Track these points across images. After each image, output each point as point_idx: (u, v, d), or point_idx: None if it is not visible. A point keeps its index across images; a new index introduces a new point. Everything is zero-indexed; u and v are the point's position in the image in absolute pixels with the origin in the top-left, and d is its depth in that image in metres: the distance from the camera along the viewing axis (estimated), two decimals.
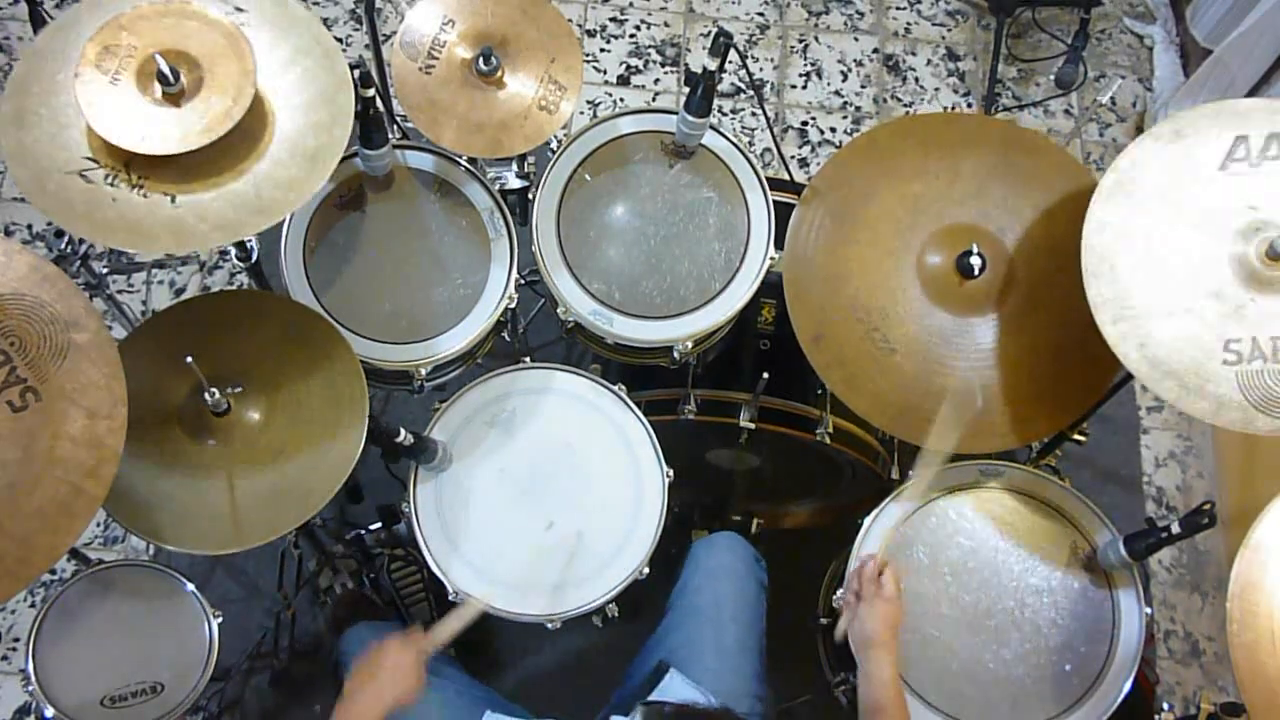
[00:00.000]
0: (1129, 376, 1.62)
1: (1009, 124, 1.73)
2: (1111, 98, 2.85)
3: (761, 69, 2.83)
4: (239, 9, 1.39)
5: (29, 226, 2.49)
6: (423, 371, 1.69)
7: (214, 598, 1.61)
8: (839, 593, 1.63)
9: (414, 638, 1.43)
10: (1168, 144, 1.42)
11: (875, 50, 2.87)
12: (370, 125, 1.57)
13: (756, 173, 1.72)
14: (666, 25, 2.85)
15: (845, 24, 2.90)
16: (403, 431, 1.54)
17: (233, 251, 1.77)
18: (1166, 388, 1.36)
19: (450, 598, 1.61)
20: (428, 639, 1.44)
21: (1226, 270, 1.38)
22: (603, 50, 2.81)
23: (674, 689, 1.53)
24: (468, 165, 1.75)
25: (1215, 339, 1.37)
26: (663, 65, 2.80)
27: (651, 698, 1.49)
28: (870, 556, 1.59)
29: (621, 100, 2.76)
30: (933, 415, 1.56)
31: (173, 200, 1.33)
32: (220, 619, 1.59)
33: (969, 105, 2.82)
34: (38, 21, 1.61)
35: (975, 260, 1.56)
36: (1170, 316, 1.37)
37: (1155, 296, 1.38)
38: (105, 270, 2.10)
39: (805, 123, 2.77)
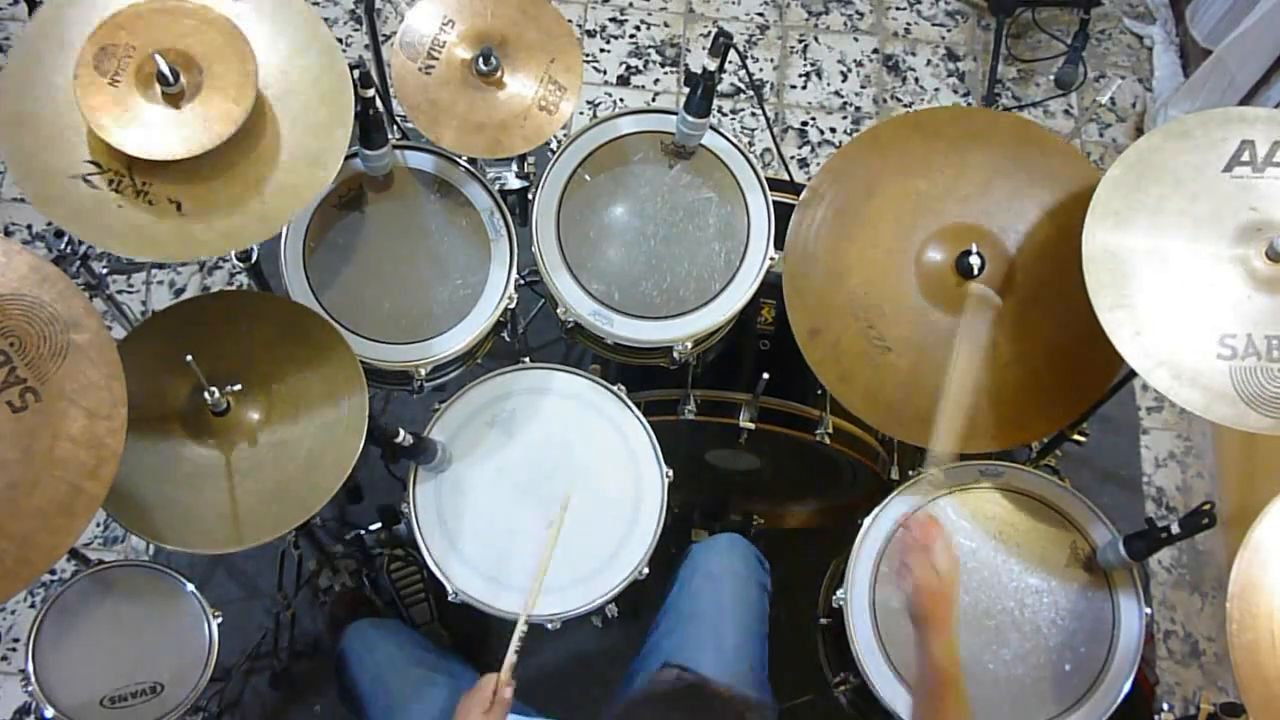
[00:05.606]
0: (1129, 377, 1.62)
1: (1018, 119, 1.71)
2: (1111, 98, 2.85)
3: (761, 69, 2.83)
4: None
5: (29, 227, 2.49)
6: (422, 371, 1.69)
7: (214, 598, 1.60)
8: (839, 592, 1.63)
9: (485, 686, 1.40)
10: (1174, 141, 1.42)
11: (875, 50, 2.87)
12: (370, 125, 1.56)
13: (756, 173, 1.72)
14: (666, 25, 2.85)
15: (845, 24, 2.90)
16: (402, 432, 1.54)
17: (232, 252, 1.77)
18: (1159, 377, 1.36)
19: (450, 598, 1.61)
20: (498, 679, 1.41)
21: (1226, 266, 1.39)
22: (603, 50, 2.81)
23: None
24: (467, 165, 1.75)
25: (1210, 332, 1.37)
26: (663, 65, 2.80)
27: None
28: (910, 519, 1.47)
29: (621, 100, 2.76)
30: (926, 414, 1.55)
31: (179, 207, 1.33)
32: (220, 619, 1.58)
33: (969, 105, 2.82)
34: None
35: (974, 260, 1.56)
36: (1166, 306, 1.38)
37: (1153, 286, 1.38)
38: (105, 270, 2.10)
39: (805, 123, 2.77)
